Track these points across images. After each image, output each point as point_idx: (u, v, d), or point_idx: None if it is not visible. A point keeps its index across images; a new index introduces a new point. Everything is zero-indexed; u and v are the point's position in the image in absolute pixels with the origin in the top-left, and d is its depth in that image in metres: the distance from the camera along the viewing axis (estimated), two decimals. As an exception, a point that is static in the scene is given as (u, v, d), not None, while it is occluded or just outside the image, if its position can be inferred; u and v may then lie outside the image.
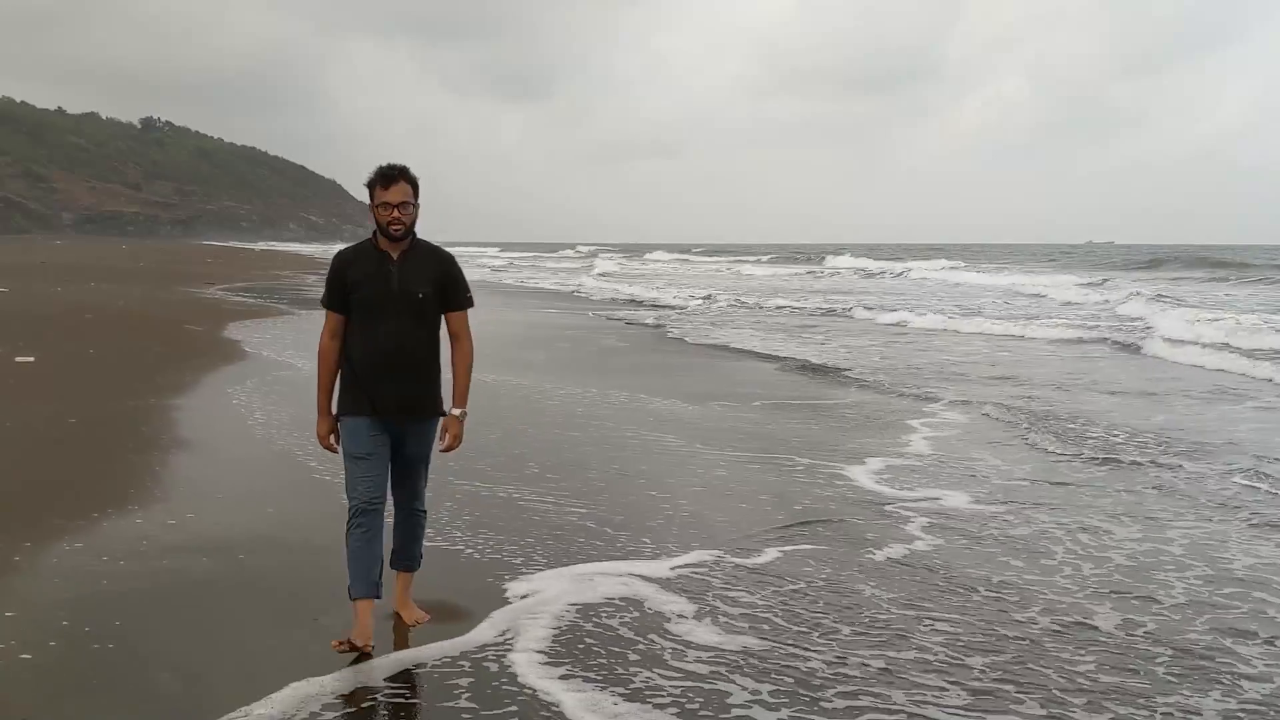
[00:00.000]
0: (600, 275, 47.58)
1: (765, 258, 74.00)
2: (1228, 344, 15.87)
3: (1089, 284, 33.85)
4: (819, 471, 7.59)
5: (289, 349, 14.24)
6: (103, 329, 15.67)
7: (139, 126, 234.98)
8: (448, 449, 4.19)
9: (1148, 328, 18.98)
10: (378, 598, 4.06)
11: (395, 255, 4.08)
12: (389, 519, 4.27)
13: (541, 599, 4.74)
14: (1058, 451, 8.36)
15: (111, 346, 13.63)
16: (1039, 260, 66.18)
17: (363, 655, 3.94)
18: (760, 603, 4.82)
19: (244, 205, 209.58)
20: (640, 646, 4.26)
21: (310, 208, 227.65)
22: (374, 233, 4.12)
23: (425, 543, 4.50)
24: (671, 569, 5.28)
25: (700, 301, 29.52)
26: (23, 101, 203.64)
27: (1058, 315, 23.51)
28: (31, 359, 11.63)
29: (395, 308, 4.03)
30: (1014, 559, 5.59)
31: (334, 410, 4.16)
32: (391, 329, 4.03)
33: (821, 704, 3.74)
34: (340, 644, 3.95)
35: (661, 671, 4.02)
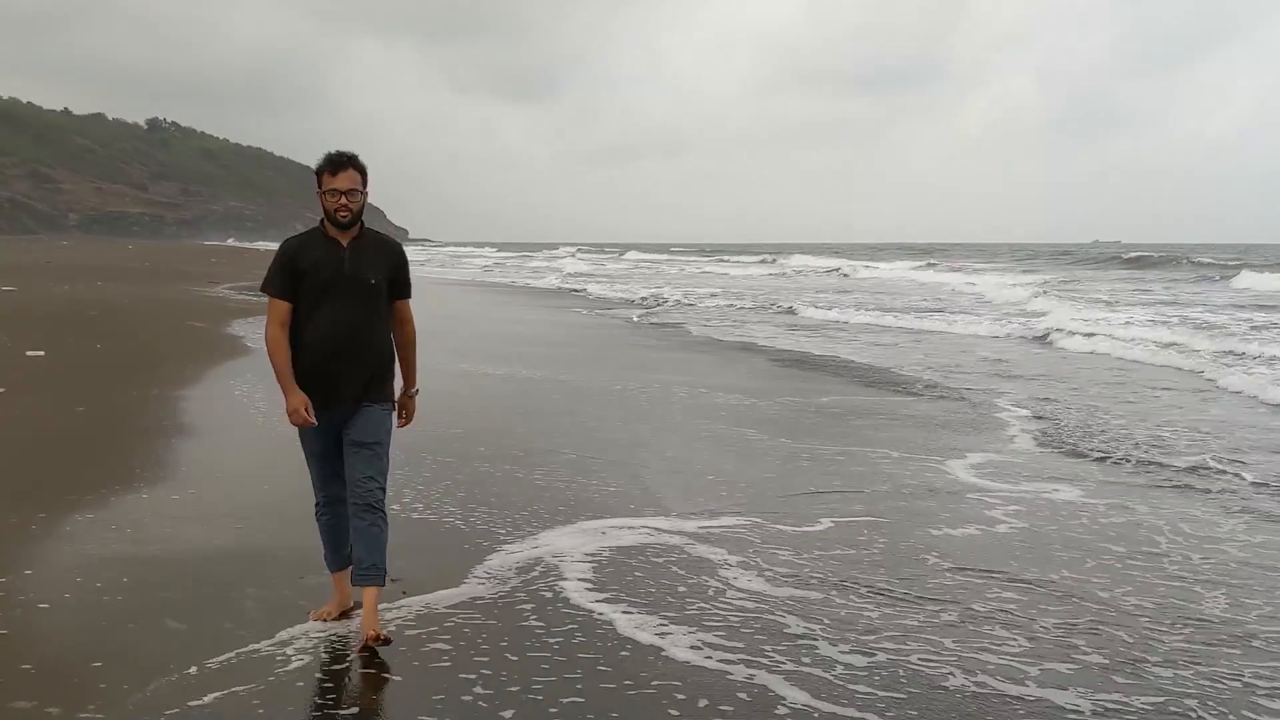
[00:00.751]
0: (569, 275, 48.03)
1: (759, 257, 74.69)
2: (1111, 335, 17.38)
3: (1025, 283, 35.21)
4: (910, 464, 7.72)
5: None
6: (109, 326, 16.15)
7: (145, 127, 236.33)
8: (405, 424, 4.31)
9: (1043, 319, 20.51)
10: (351, 565, 4.22)
11: (345, 242, 4.07)
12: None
13: (572, 544, 5.40)
14: (1145, 451, 8.29)
15: (117, 342, 14.10)
16: (1036, 260, 66.63)
17: (344, 615, 4.29)
18: (805, 561, 5.24)
19: (249, 205, 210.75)
20: (690, 581, 4.89)
21: (315, 207, 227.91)
22: (321, 220, 4.11)
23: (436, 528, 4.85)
24: (700, 527, 5.78)
25: (666, 300, 30.22)
26: (29, 102, 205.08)
27: (976, 311, 24.86)
28: (41, 353, 12.10)
29: (346, 293, 4.02)
30: (1113, 545, 5.63)
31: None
32: (343, 314, 4.02)
33: (870, 645, 4.16)
34: (320, 615, 4.26)
35: (707, 603, 4.58)
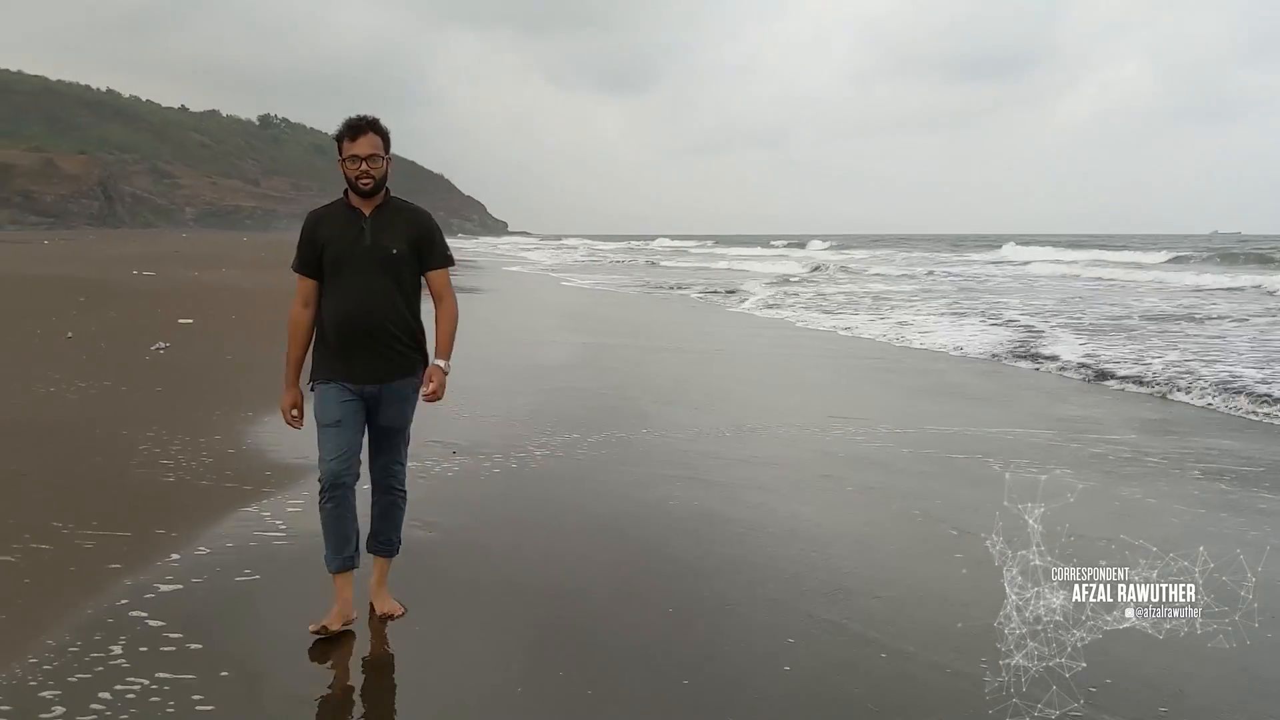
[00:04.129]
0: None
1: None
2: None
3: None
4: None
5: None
6: (239, 303, 19.21)
7: (257, 123, 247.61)
8: (431, 397, 3.94)
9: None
10: (355, 568, 4.08)
11: (367, 211, 3.96)
12: (369, 493, 4.25)
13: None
14: None
15: (249, 315, 17.08)
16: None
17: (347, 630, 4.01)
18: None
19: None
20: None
21: (420, 202, 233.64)
22: (345, 190, 4.00)
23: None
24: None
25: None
26: (148, 100, 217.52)
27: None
28: (190, 321, 15.09)
29: (367, 264, 3.90)
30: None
31: (308, 380, 4.04)
32: (363, 286, 3.89)
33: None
34: (317, 628, 3.92)
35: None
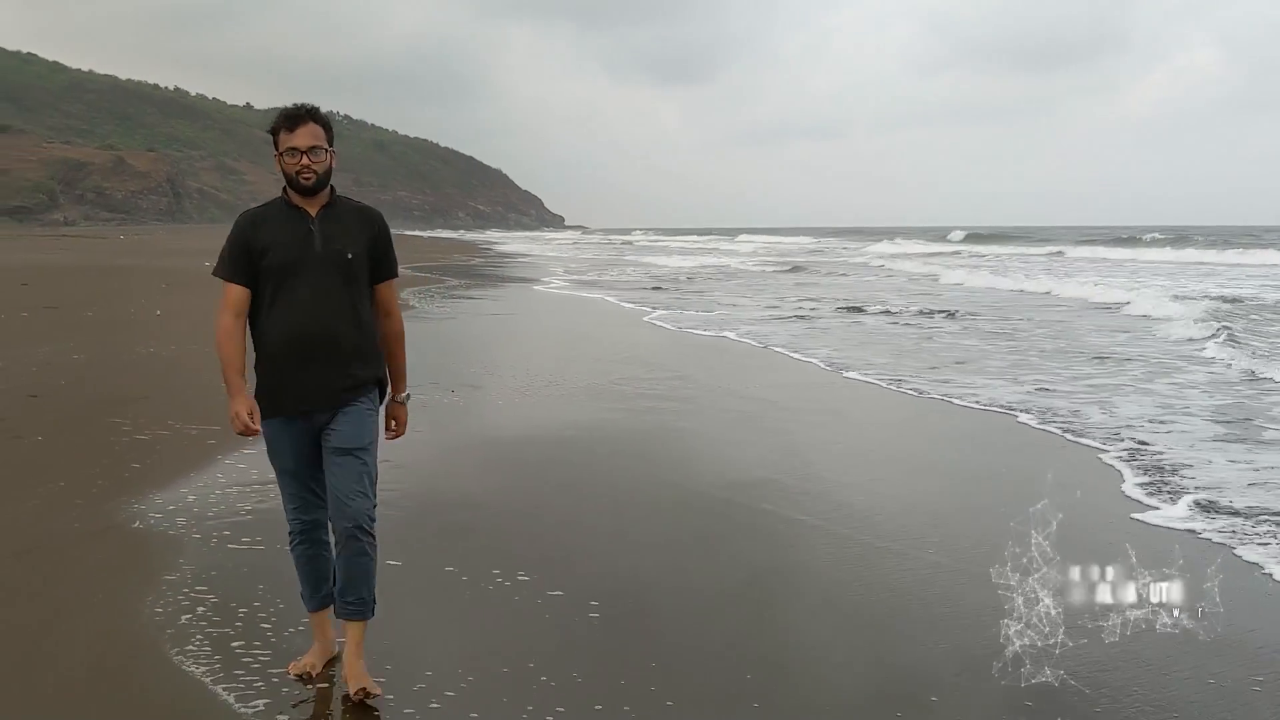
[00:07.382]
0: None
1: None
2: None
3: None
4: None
5: (443, 305, 20.11)
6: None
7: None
8: (394, 437, 3.82)
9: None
10: (334, 603, 3.74)
11: (314, 212, 3.58)
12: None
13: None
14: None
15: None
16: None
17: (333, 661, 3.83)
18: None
19: (416, 195, 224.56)
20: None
21: (478, 197, 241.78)
22: (284, 188, 3.60)
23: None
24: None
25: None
26: (214, 98, 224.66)
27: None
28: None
29: (319, 271, 3.52)
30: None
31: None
32: (316, 296, 3.51)
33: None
34: (300, 671, 3.75)
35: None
